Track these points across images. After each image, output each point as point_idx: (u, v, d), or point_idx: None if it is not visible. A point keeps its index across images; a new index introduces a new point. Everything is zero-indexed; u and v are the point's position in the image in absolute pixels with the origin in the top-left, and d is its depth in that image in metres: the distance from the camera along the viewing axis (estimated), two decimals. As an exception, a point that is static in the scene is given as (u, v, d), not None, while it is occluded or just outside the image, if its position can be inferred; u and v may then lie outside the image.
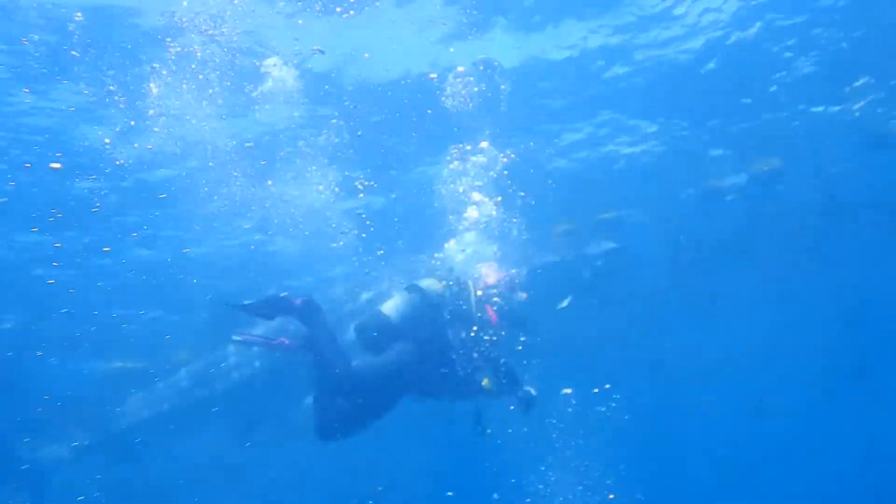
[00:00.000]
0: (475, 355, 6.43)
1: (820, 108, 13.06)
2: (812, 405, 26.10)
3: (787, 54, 11.94)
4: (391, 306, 6.48)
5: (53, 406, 14.89)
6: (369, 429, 6.33)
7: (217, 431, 15.05)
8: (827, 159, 14.25)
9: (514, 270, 7.11)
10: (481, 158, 10.31)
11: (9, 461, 14.68)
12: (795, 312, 19.54)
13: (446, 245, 9.32)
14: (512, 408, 6.44)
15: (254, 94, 10.96)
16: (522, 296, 6.93)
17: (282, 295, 6.20)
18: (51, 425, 14.97)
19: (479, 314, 6.54)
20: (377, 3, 10.01)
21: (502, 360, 6.43)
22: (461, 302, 6.57)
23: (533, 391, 6.34)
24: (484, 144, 10.42)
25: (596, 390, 11.69)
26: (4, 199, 12.30)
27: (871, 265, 17.68)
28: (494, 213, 9.80)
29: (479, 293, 6.64)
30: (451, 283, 6.67)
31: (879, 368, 22.99)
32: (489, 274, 6.96)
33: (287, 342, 6.25)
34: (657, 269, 15.82)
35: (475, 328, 6.47)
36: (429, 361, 6.38)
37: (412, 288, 6.59)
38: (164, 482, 18.67)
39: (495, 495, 12.37)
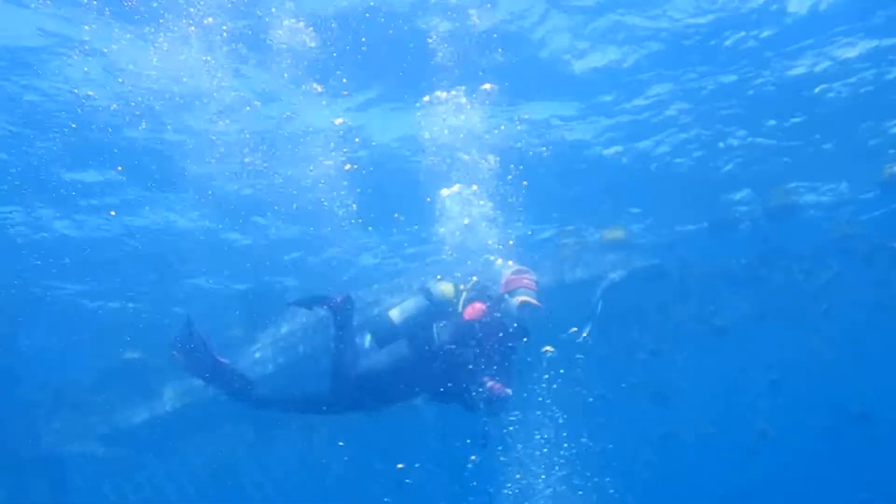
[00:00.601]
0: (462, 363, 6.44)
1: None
2: (814, 446, 25.88)
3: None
4: (399, 307, 6.71)
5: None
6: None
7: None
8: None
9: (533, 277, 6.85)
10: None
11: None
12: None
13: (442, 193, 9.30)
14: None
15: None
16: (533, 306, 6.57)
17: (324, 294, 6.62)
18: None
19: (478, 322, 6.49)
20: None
21: (485, 374, 6.40)
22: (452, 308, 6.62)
23: (506, 391, 6.30)
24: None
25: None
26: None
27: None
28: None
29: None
30: (465, 287, 6.72)
31: (883, 414, 22.77)
32: (513, 282, 6.71)
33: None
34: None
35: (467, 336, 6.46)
36: (420, 365, 6.50)
37: (423, 290, 6.73)
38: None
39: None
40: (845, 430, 23.86)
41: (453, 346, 6.42)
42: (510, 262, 7.50)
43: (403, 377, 6.55)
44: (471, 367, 6.36)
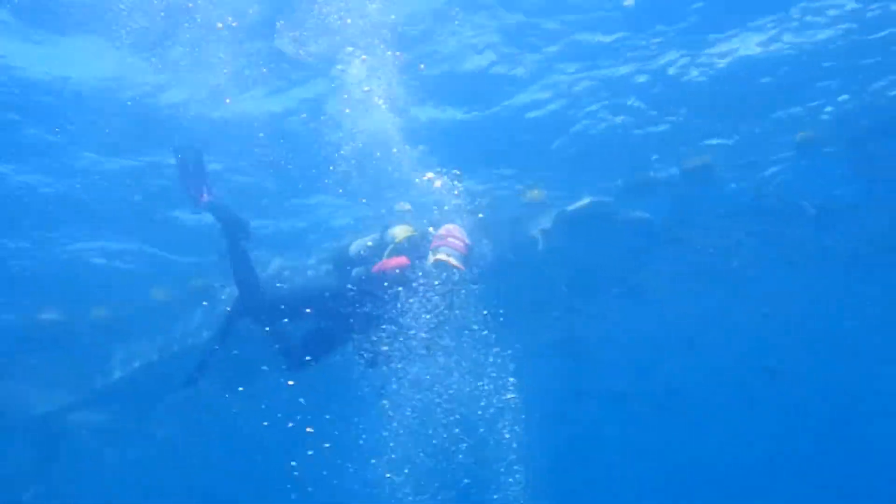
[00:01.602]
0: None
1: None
2: (725, 401, 26.61)
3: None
4: (359, 240, 6.78)
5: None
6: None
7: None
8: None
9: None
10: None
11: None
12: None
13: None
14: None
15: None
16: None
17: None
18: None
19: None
20: None
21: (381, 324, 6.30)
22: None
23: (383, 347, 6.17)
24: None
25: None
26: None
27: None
28: None
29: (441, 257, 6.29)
30: (412, 236, 6.58)
31: (792, 371, 23.48)
32: (450, 238, 6.43)
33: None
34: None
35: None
36: (330, 300, 6.45)
37: (382, 228, 6.75)
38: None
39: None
40: (757, 385, 24.57)
41: (353, 291, 6.32)
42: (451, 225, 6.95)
43: (314, 304, 6.54)
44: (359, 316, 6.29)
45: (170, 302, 15.59)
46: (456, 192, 7.62)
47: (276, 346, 6.80)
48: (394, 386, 7.14)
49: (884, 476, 31.90)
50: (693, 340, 20.87)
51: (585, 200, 14.09)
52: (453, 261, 6.16)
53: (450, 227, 6.49)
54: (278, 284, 7.90)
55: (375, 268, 6.34)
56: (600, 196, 14.25)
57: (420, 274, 6.23)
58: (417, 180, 8.04)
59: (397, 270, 6.26)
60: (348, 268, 6.66)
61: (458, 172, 7.88)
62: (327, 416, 11.40)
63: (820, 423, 27.97)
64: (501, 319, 8.34)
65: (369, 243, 6.67)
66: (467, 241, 6.37)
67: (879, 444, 29.88)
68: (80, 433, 17.89)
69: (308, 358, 6.68)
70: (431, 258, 6.24)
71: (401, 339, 6.43)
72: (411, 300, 6.25)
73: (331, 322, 6.61)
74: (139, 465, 21.97)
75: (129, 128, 12.09)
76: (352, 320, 6.41)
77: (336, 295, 6.43)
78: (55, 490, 18.89)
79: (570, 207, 14.11)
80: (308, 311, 6.57)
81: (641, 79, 12.55)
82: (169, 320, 15.78)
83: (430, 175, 7.73)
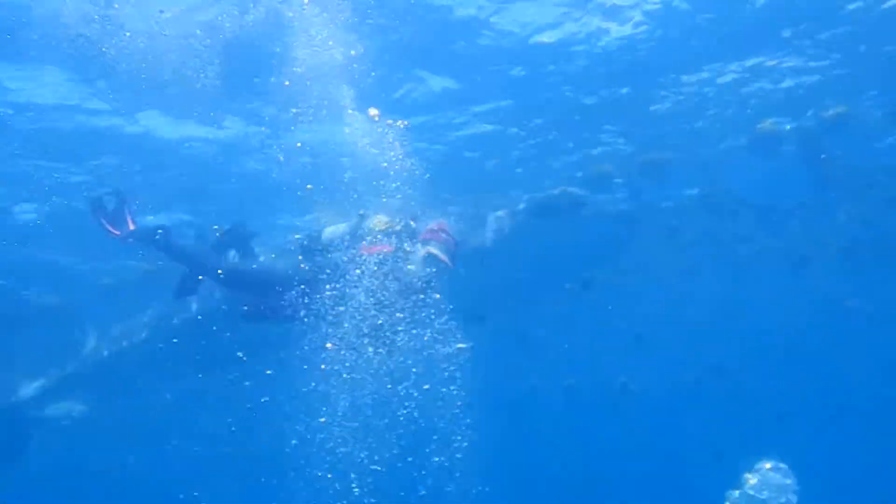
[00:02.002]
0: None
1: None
2: (675, 400, 26.92)
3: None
4: (334, 227, 6.74)
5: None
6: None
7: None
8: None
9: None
10: None
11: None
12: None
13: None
14: None
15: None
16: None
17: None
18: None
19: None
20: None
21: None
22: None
23: None
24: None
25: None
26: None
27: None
28: None
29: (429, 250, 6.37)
30: (391, 225, 6.57)
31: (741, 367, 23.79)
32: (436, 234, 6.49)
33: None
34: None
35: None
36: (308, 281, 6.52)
37: (359, 216, 6.71)
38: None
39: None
40: (705, 383, 24.86)
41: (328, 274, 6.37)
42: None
43: (283, 285, 6.61)
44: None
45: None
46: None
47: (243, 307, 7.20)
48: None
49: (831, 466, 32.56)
50: (642, 337, 20.96)
51: (557, 189, 13.71)
52: (443, 255, 6.28)
53: (440, 221, 6.61)
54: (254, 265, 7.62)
55: (362, 250, 6.38)
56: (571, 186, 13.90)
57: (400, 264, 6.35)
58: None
59: (382, 255, 6.33)
60: (319, 253, 6.72)
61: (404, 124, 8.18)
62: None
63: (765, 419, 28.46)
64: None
65: (344, 229, 6.72)
66: (455, 237, 6.51)
67: (824, 441, 30.54)
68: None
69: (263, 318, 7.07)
70: (422, 251, 6.33)
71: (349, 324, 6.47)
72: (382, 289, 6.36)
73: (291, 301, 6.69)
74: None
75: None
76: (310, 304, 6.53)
77: (305, 279, 6.57)
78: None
79: (541, 195, 13.73)
80: (279, 289, 6.68)
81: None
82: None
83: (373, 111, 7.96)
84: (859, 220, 15.87)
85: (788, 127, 13.31)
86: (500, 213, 13.87)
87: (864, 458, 31.38)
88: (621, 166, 14.02)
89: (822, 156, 13.74)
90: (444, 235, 6.42)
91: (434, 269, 6.29)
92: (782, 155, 13.68)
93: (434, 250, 6.29)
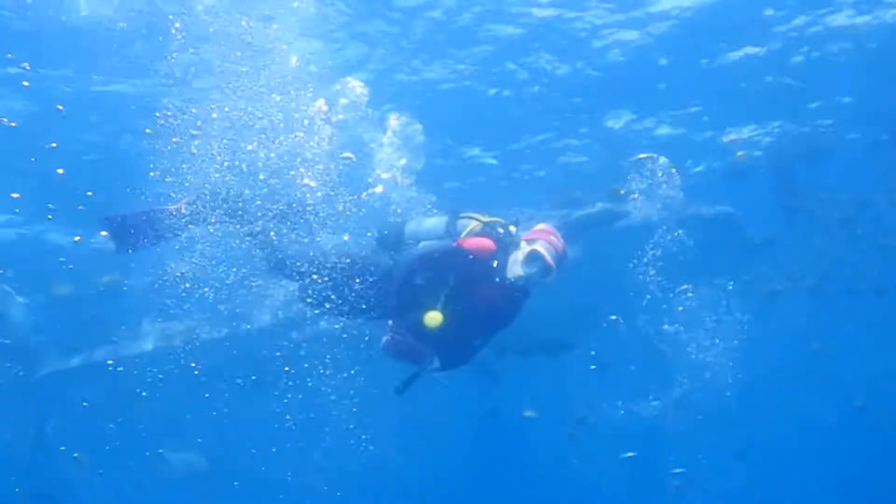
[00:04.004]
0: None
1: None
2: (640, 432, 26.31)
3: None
4: (419, 220, 6.17)
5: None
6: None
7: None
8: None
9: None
10: None
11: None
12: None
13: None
14: None
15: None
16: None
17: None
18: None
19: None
20: None
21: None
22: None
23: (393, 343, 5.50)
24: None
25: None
26: None
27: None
28: None
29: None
30: (498, 226, 5.88)
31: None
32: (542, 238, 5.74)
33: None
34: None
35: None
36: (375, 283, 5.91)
37: (453, 213, 6.09)
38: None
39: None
40: (670, 419, 24.32)
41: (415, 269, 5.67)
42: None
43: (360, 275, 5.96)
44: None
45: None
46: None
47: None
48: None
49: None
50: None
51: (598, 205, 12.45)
52: (549, 257, 5.57)
53: (547, 225, 5.97)
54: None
55: (465, 242, 5.66)
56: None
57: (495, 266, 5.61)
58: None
59: (484, 251, 5.60)
60: (399, 246, 6.08)
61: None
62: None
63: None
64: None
65: (433, 223, 6.04)
66: (563, 244, 5.85)
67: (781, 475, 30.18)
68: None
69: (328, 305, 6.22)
70: (526, 248, 5.63)
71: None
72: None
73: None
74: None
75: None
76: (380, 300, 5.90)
77: (382, 270, 5.94)
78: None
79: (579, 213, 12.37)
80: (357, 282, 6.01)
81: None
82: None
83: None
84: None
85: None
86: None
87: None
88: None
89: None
90: (553, 238, 5.74)
91: (535, 271, 5.54)
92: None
93: (540, 249, 5.57)
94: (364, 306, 5.97)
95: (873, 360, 23.37)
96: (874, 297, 17.19)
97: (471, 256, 5.57)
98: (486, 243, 5.63)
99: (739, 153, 13.06)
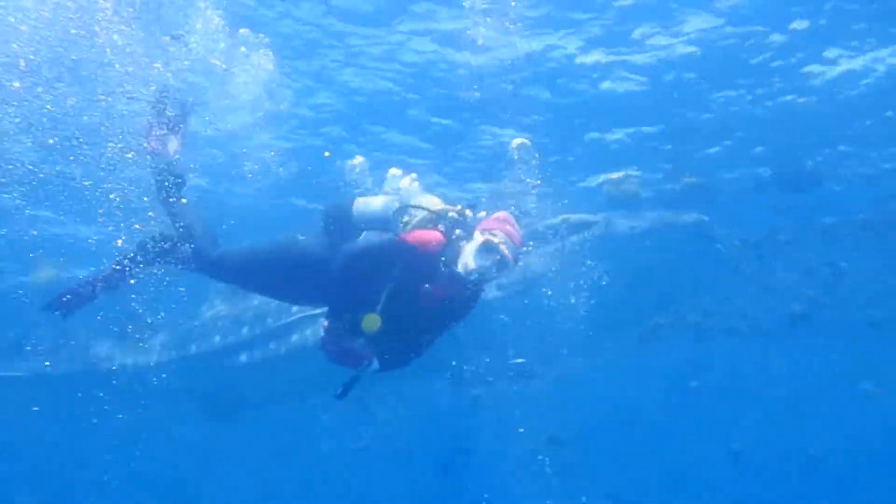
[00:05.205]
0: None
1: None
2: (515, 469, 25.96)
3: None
4: (368, 199, 5.39)
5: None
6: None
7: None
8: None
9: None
10: None
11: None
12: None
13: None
14: None
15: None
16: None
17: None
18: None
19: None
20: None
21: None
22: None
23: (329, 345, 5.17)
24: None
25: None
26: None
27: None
28: None
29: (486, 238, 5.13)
30: (454, 211, 5.35)
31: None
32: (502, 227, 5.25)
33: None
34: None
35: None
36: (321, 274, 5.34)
37: (398, 190, 5.56)
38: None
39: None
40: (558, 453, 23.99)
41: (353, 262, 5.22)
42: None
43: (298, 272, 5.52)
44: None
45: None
46: None
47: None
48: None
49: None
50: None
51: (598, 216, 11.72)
52: (505, 248, 5.08)
53: (505, 213, 5.46)
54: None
55: (409, 237, 5.14)
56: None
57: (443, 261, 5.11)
58: None
59: (431, 245, 5.11)
60: (345, 231, 5.42)
61: None
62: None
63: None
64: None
65: (380, 209, 5.34)
66: (521, 234, 5.40)
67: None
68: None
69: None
70: (479, 238, 5.12)
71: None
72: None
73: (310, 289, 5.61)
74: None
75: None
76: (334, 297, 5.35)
77: (324, 264, 5.38)
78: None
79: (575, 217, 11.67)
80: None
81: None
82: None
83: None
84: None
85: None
86: None
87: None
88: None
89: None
90: (509, 228, 5.22)
91: (490, 264, 5.06)
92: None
93: (494, 239, 5.08)
94: (298, 296, 5.88)
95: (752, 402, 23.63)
96: (757, 337, 17.26)
97: (416, 252, 5.04)
98: (433, 236, 5.14)
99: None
